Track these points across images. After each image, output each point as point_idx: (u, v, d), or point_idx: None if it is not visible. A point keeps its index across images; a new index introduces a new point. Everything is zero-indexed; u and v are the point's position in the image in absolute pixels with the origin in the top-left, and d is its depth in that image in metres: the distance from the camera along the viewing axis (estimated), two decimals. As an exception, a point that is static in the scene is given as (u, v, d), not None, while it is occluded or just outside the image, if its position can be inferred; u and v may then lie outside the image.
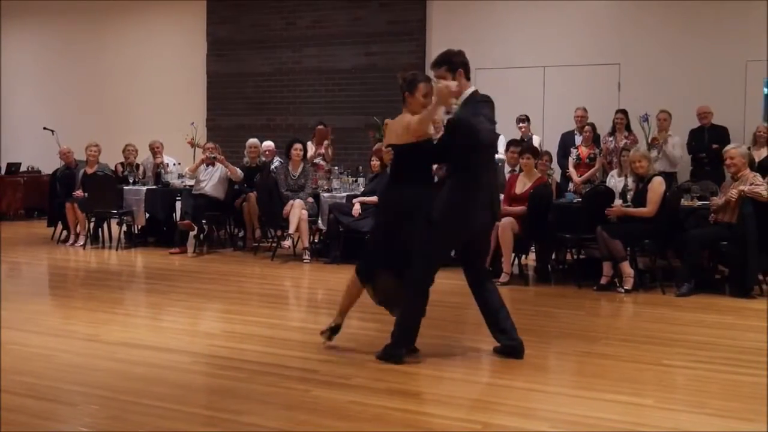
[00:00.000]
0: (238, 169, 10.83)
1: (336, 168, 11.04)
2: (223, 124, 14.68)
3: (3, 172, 15.01)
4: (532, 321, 6.76)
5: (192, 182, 10.83)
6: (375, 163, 9.83)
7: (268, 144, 11.51)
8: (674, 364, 5.37)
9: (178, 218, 11.07)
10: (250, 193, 10.69)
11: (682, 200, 8.58)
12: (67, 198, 11.46)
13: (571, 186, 10.09)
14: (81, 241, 11.26)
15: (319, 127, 11.47)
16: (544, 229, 8.40)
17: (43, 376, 4.87)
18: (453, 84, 5.06)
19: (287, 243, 10.56)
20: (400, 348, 5.22)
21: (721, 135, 10.24)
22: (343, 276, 8.87)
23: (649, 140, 10.12)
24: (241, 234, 11.41)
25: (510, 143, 9.54)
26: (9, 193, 14.57)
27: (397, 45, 13.44)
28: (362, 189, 10.18)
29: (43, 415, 4.21)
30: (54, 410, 4.32)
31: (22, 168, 15.35)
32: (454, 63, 5.19)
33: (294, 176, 10.30)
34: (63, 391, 4.62)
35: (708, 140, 10.36)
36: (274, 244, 10.44)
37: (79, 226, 11.35)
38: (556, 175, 10.46)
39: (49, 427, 4.07)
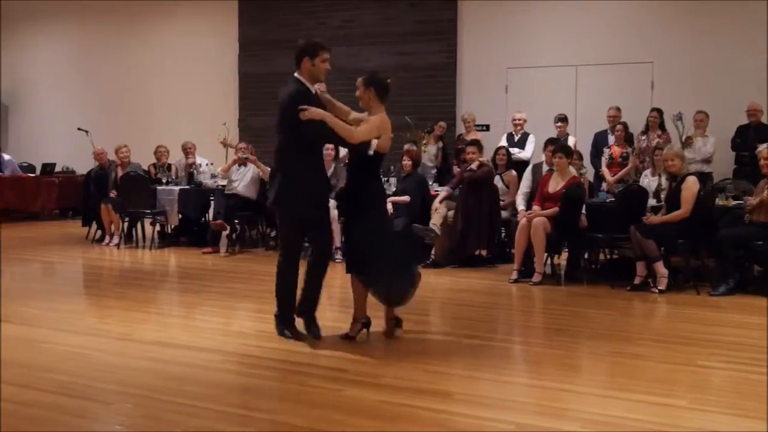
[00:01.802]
0: (269, 169, 10.85)
1: (367, 168, 11.01)
2: (255, 124, 14.74)
3: (38, 172, 15.20)
4: (564, 321, 6.73)
5: (224, 182, 10.90)
6: (406, 162, 9.85)
7: (300, 144, 11.50)
8: (708, 365, 5.32)
9: (210, 218, 11.16)
10: (282, 193, 10.70)
11: (717, 199, 8.48)
12: (101, 198, 11.59)
13: (604, 185, 10.01)
14: (115, 241, 11.39)
15: (350, 127, 11.46)
16: (577, 228, 8.35)
17: (78, 374, 4.92)
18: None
19: (318, 243, 10.54)
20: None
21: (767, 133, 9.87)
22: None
23: (683, 139, 10.01)
24: (273, 234, 11.44)
25: (548, 142, 9.47)
26: (44, 194, 14.74)
27: (428, 44, 13.43)
28: (394, 189, 10.17)
29: (78, 413, 4.26)
30: (89, 409, 4.36)
31: (57, 168, 15.51)
32: None
33: (325, 176, 10.30)
34: (97, 389, 4.66)
35: (753, 139, 9.88)
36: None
37: (113, 225, 11.48)
38: (589, 174, 10.38)
39: (85, 425, 4.12)
